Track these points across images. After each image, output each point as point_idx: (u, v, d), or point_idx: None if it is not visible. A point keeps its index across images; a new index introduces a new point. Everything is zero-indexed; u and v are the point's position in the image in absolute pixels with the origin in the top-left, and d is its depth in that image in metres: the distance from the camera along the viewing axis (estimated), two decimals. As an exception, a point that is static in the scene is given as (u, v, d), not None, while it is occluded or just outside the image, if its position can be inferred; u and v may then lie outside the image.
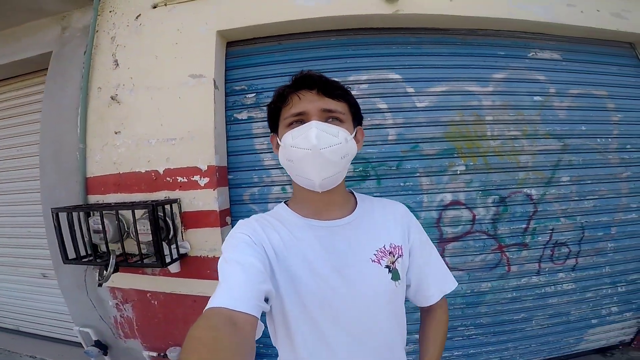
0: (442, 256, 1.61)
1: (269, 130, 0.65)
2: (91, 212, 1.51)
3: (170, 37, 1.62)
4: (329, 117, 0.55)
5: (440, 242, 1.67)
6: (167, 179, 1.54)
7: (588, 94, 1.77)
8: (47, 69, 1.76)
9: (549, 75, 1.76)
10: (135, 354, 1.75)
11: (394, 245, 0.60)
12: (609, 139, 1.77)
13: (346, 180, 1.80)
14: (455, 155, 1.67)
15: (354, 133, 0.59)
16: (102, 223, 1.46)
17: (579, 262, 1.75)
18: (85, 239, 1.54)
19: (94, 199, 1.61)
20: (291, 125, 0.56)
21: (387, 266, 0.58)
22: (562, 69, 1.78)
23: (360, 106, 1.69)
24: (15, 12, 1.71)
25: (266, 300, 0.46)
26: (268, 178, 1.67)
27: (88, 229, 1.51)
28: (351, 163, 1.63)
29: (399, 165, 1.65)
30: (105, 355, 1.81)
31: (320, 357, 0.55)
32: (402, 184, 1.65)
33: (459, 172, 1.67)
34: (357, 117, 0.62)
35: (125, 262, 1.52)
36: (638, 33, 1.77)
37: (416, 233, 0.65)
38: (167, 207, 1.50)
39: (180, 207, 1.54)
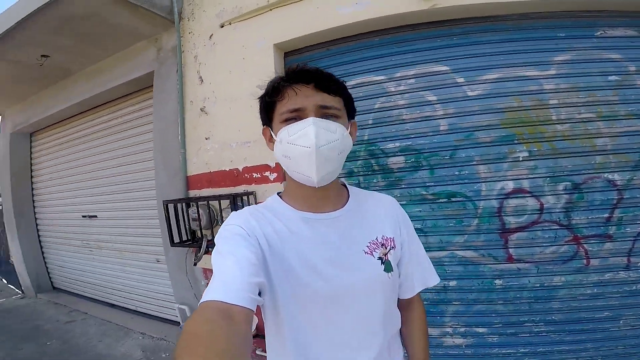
0: (506, 247, 1.60)
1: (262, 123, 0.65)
2: (190, 204, 1.92)
3: (237, 53, 1.91)
4: (325, 113, 0.55)
5: (503, 232, 1.63)
6: (246, 175, 1.87)
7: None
8: (152, 86, 2.23)
9: (625, 53, 1.57)
10: None
11: (386, 238, 0.61)
12: None
13: (399, 171, 1.85)
14: (516, 141, 1.62)
15: (349, 128, 0.59)
16: (198, 212, 1.86)
17: (682, 257, 1.50)
18: (186, 227, 1.96)
19: (192, 193, 2.04)
20: (287, 121, 0.55)
21: (379, 258, 0.59)
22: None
23: (410, 100, 1.80)
24: (120, 36, 2.17)
25: (260, 293, 0.47)
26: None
27: (188, 218, 1.93)
28: (402, 154, 1.71)
29: (452, 155, 1.68)
30: None
31: (311, 349, 0.55)
32: (457, 173, 1.67)
33: (520, 159, 1.61)
34: (351, 111, 0.62)
35: (214, 245, 1.88)
36: None
37: (405, 226, 0.66)
38: (245, 198, 1.83)
39: (255, 198, 1.85)
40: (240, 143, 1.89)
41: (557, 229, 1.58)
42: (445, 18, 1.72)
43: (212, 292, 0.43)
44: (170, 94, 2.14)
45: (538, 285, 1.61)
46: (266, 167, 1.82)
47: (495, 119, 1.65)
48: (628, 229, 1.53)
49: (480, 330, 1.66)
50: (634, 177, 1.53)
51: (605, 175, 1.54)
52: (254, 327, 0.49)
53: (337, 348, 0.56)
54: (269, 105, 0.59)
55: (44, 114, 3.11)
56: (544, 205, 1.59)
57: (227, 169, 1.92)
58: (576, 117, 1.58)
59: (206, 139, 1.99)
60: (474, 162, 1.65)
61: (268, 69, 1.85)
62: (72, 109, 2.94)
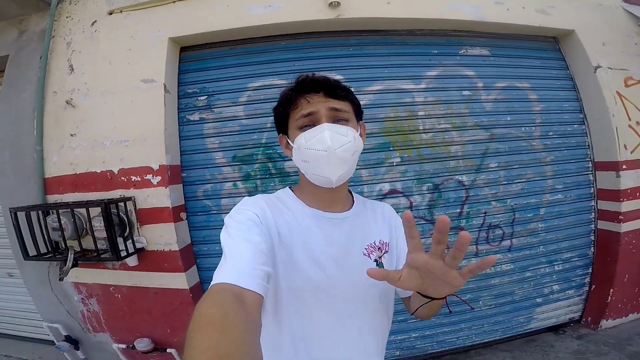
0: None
1: (277, 132, 0.69)
2: (49, 211, 1.61)
3: (124, 43, 1.72)
4: (336, 116, 0.59)
5: (382, 228, 1.80)
6: (122, 178, 1.65)
7: (512, 86, 1.94)
8: (4, 71, 1.84)
9: (477, 71, 1.92)
10: (106, 347, 1.82)
11: (382, 242, 0.65)
12: (533, 127, 1.94)
13: (295, 175, 1.90)
14: (391, 148, 1.82)
15: (359, 130, 0.63)
16: (59, 221, 1.57)
17: (513, 243, 1.89)
18: (45, 237, 1.63)
19: (52, 198, 1.71)
20: (302, 127, 0.59)
21: (375, 260, 0.63)
22: (490, 64, 1.95)
23: None
24: None
25: (267, 282, 0.48)
26: (220, 175, 1.79)
27: (47, 228, 1.61)
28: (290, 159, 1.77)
29: (339, 159, 1.78)
30: (77, 350, 1.86)
31: (305, 340, 0.57)
32: (342, 176, 1.78)
33: (394, 164, 1.81)
34: (359, 114, 0.66)
35: (84, 258, 1.62)
36: (561, 28, 1.93)
37: (401, 231, 0.70)
38: (122, 204, 1.62)
39: (135, 205, 1.65)
40: (116, 141, 1.67)
41: (423, 223, 1.82)
42: (349, 28, 1.84)
43: (225, 275, 0.43)
44: (27, 82, 1.77)
45: (412, 275, 1.82)
46: (148, 170, 1.65)
47: (376, 128, 1.82)
48: (474, 221, 1.86)
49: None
50: (477, 178, 1.87)
51: (457, 177, 1.85)
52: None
53: (333, 343, 0.58)
54: (283, 116, 0.63)
55: None
56: (413, 204, 1.81)
57: (99, 171, 1.67)
58: (437, 127, 1.86)
59: (72, 135, 1.70)
60: (358, 166, 1.78)
61: (158, 64, 1.69)
62: None
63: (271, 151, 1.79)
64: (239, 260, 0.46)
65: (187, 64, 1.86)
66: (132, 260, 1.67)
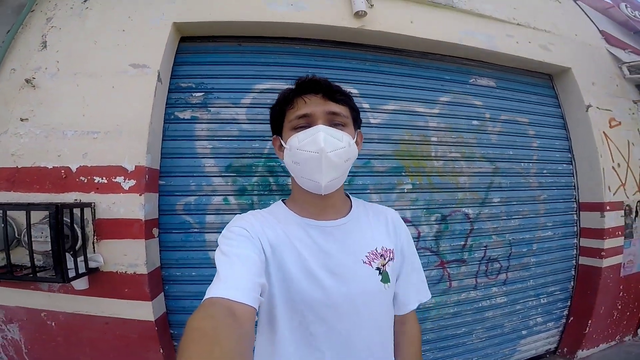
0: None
1: (271, 133, 0.66)
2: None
3: (118, 23, 1.47)
4: (333, 120, 0.57)
5: (388, 257, 1.68)
6: (81, 178, 1.30)
7: (513, 120, 2.02)
8: None
9: (484, 101, 1.97)
10: None
11: (385, 249, 0.61)
12: (530, 164, 2.02)
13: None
14: (403, 173, 1.73)
15: (355, 137, 0.61)
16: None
17: (508, 277, 1.90)
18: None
19: (-26, 197, 1.27)
20: (297, 128, 0.57)
21: (377, 268, 0.59)
22: (495, 96, 2.01)
23: None
24: None
25: (260, 294, 0.47)
26: (209, 186, 1.52)
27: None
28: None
29: (350, 181, 1.65)
30: None
31: (303, 355, 0.55)
32: (352, 198, 1.64)
33: (406, 191, 1.73)
34: (357, 121, 0.64)
35: (10, 275, 1.20)
36: (557, 65, 2.05)
37: (406, 240, 0.67)
38: (77, 211, 1.25)
39: (94, 213, 1.30)
40: (81, 132, 1.33)
41: (429, 255, 1.75)
42: (366, 42, 1.76)
43: (217, 289, 0.43)
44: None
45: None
46: (119, 170, 1.32)
47: (389, 150, 1.73)
48: (476, 254, 1.84)
49: None
50: (481, 212, 1.87)
51: (463, 209, 1.83)
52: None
53: (327, 354, 0.55)
54: (279, 114, 0.62)
55: None
56: (421, 234, 1.73)
57: (50, 167, 1.29)
58: (448, 155, 1.83)
59: (22, 120, 1.31)
60: (368, 191, 1.67)
61: (155, 49, 1.44)
62: None
63: (274, 164, 1.58)
64: (230, 274, 0.46)
65: (186, 55, 1.61)
66: (80, 283, 1.30)
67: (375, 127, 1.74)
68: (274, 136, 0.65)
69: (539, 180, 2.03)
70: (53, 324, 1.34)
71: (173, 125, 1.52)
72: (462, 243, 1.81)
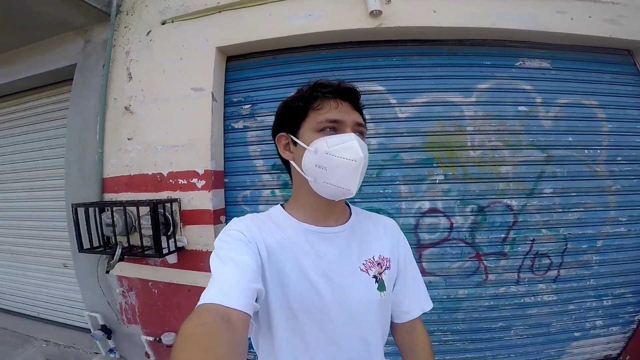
0: (419, 261, 1.72)
1: (272, 129, 0.67)
2: (105, 208, 1.75)
3: (175, 52, 1.80)
4: (358, 130, 0.58)
5: (418, 247, 1.75)
6: (170, 180, 1.75)
7: (576, 103, 1.75)
8: (71, 79, 2.00)
9: (535, 85, 1.76)
10: (135, 339, 1.95)
11: (382, 257, 0.62)
12: (598, 150, 1.74)
13: None
14: (435, 164, 1.73)
15: None
16: (113, 218, 1.70)
17: (560, 274, 1.74)
18: (98, 232, 1.78)
19: (109, 197, 1.86)
20: (323, 130, 0.55)
21: (374, 276, 0.59)
22: (550, 78, 1.77)
23: None
24: (44, 26, 1.93)
25: (256, 300, 0.47)
26: (260, 182, 1.83)
27: (101, 223, 1.76)
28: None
29: (379, 174, 1.75)
30: (109, 339, 2.02)
31: (299, 358, 0.56)
32: (381, 191, 1.74)
33: (437, 182, 1.73)
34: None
35: (130, 253, 1.75)
36: (635, 40, 1.71)
37: (404, 249, 0.68)
38: (168, 205, 1.71)
39: (180, 206, 1.74)
40: (167, 146, 1.77)
41: (463, 246, 1.74)
42: (388, 38, 1.77)
43: (211, 295, 0.42)
44: (92, 89, 1.91)
45: (446, 297, 1.76)
46: (193, 174, 1.73)
47: (419, 142, 1.74)
48: (519, 248, 1.74)
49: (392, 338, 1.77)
50: (528, 204, 1.73)
51: (505, 200, 1.73)
52: (251, 332, 0.46)
53: None
54: (300, 111, 0.59)
55: None
56: (454, 225, 1.73)
57: (150, 173, 1.78)
58: (487, 145, 1.74)
59: (129, 139, 1.82)
60: (397, 182, 1.74)
61: (207, 72, 1.75)
62: None
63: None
64: (224, 280, 0.45)
65: (233, 73, 1.90)
66: (172, 258, 1.78)
67: (403, 121, 1.76)
68: (282, 134, 0.62)
69: (610, 168, 1.74)
70: (155, 291, 1.83)
71: (231, 134, 1.86)
72: (503, 236, 1.73)
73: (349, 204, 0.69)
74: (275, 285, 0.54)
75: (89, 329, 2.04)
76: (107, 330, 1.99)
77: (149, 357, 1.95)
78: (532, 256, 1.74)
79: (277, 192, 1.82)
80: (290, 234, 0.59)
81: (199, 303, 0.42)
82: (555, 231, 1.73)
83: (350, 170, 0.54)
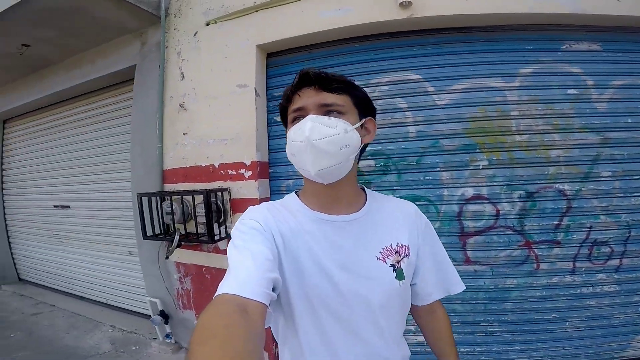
0: (463, 249, 1.70)
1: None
2: (164, 197, 1.94)
3: (220, 52, 1.94)
4: (328, 110, 0.56)
5: (462, 235, 1.72)
6: (221, 171, 1.90)
7: (633, 84, 1.65)
8: (134, 79, 2.23)
9: (585, 67, 1.68)
10: (188, 324, 2.09)
11: (400, 245, 0.60)
12: (662, 131, 1.62)
13: (369, 174, 1.92)
14: (477, 150, 1.71)
15: (361, 123, 0.59)
16: (172, 206, 1.88)
17: (623, 263, 1.63)
18: (160, 220, 1.97)
19: (168, 187, 2.06)
20: (294, 121, 0.58)
21: (392, 265, 0.58)
22: (602, 60, 1.68)
23: (382, 106, 1.78)
24: (104, 30, 2.18)
25: (273, 289, 0.47)
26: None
27: (162, 211, 1.95)
28: (373, 158, 1.79)
29: (419, 161, 1.76)
30: (167, 324, 2.16)
31: (320, 351, 0.56)
32: (422, 178, 1.75)
33: (481, 167, 1.70)
34: (366, 109, 0.62)
35: (186, 239, 1.92)
36: None
37: (426, 234, 0.66)
38: (220, 194, 1.86)
39: (230, 195, 1.89)
40: (217, 140, 1.92)
41: (510, 234, 1.69)
42: (421, 28, 1.78)
43: (228, 286, 0.43)
44: (150, 88, 2.14)
45: (493, 287, 1.71)
46: (241, 165, 1.86)
47: (459, 128, 1.73)
48: (575, 236, 1.65)
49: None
50: (583, 188, 1.64)
51: (557, 185, 1.65)
52: (269, 322, 0.48)
53: (346, 353, 0.56)
54: (283, 110, 0.64)
55: (19, 102, 3.04)
56: (500, 212, 1.69)
57: (203, 165, 1.94)
58: (534, 129, 1.68)
59: (184, 134, 2.01)
60: (438, 169, 1.74)
61: (249, 69, 1.88)
62: (50, 98, 2.89)
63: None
64: (241, 270, 0.46)
65: (274, 68, 2.02)
66: (223, 244, 1.92)
67: (442, 108, 1.76)
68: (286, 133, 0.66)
69: (678, 148, 1.60)
70: (208, 277, 1.97)
71: (274, 128, 1.98)
72: (556, 223, 1.65)
73: (365, 190, 0.67)
74: (292, 274, 0.55)
75: (149, 315, 2.21)
76: (165, 316, 2.16)
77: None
78: (590, 244, 1.64)
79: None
80: (304, 222, 0.59)
81: (216, 294, 0.42)
82: (616, 217, 1.62)
83: (302, 151, 0.54)
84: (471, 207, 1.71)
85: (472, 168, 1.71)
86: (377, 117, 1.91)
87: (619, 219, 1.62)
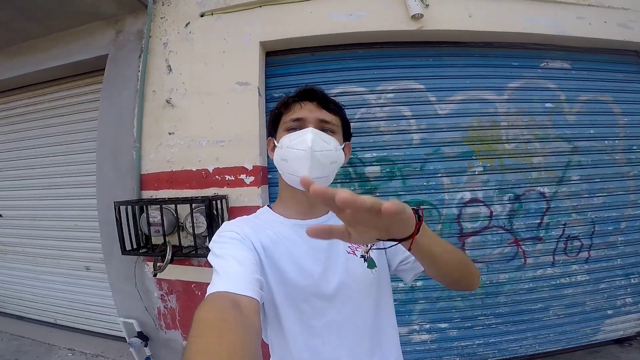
0: (463, 249, 1.79)
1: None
2: (144, 207, 1.67)
3: (217, 45, 1.77)
4: (324, 127, 0.62)
5: (461, 236, 1.82)
6: (216, 177, 1.71)
7: (595, 99, 1.94)
8: (103, 70, 1.90)
9: (559, 83, 1.93)
10: (173, 345, 1.84)
11: None
12: (616, 141, 1.93)
13: (375, 180, 1.90)
14: (474, 157, 1.83)
15: (343, 145, 0.65)
16: (162, 216, 1.63)
17: (591, 255, 1.89)
18: (139, 232, 1.69)
19: (147, 194, 1.77)
20: (290, 129, 0.62)
21: (362, 256, 0.63)
22: (571, 77, 1.95)
23: (388, 113, 1.71)
24: (72, 15, 1.84)
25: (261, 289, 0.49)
26: (303, 177, 1.84)
27: (141, 222, 1.67)
28: (379, 164, 1.78)
29: (422, 167, 1.82)
30: (145, 347, 1.87)
31: (308, 348, 0.58)
32: (425, 183, 1.81)
33: (477, 173, 1.83)
34: (346, 133, 0.68)
35: (180, 253, 1.67)
36: None
37: None
38: (215, 202, 1.67)
39: (227, 203, 1.70)
40: (212, 141, 1.73)
41: (502, 233, 1.84)
42: (427, 39, 1.86)
43: (219, 285, 0.43)
44: (127, 81, 1.83)
45: (488, 282, 1.84)
46: (242, 170, 1.70)
47: (458, 137, 1.84)
48: (553, 232, 1.87)
49: (443, 325, 1.82)
50: (558, 191, 1.87)
51: (538, 188, 1.86)
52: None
53: (334, 348, 0.58)
54: (277, 117, 0.67)
55: None
56: (493, 213, 1.83)
57: (194, 169, 1.73)
58: (520, 138, 1.87)
59: (170, 134, 1.77)
60: (440, 174, 1.82)
61: (252, 67, 1.75)
62: None
63: (352, 156, 1.83)
64: (230, 271, 0.48)
65: (273, 68, 1.91)
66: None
67: (443, 117, 1.85)
68: (269, 138, 0.69)
69: (627, 156, 1.93)
70: (199, 294, 1.75)
71: (272, 130, 1.86)
72: (538, 221, 1.85)
73: None
74: (275, 278, 0.58)
75: (116, 336, 1.94)
76: (143, 337, 1.87)
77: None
78: (565, 239, 1.87)
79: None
80: (280, 230, 0.62)
81: (207, 293, 0.43)
82: (583, 215, 1.88)
83: (300, 159, 0.58)
84: (469, 210, 1.82)
85: (469, 174, 1.82)
86: (383, 123, 1.90)
87: (586, 216, 1.88)
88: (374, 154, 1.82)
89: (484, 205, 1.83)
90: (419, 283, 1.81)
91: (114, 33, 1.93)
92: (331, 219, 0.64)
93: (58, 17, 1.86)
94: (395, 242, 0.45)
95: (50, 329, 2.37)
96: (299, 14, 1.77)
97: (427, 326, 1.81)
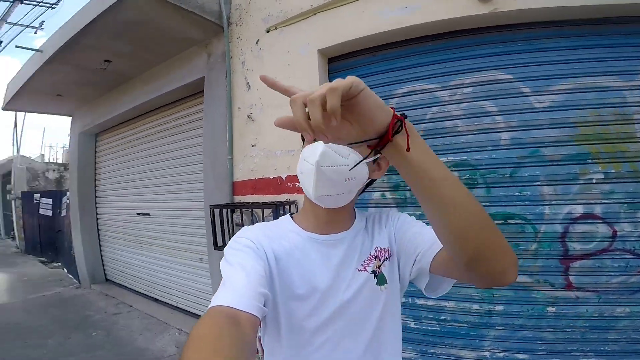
0: (566, 274, 1.50)
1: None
2: (234, 209, 1.98)
3: (282, 59, 1.90)
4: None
5: (564, 259, 1.51)
6: (289, 184, 1.88)
7: None
8: (202, 91, 2.28)
9: None
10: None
11: (379, 249, 0.62)
12: None
13: None
14: (590, 160, 1.46)
15: (374, 158, 0.55)
16: (242, 218, 1.92)
17: None
18: (230, 231, 2.02)
19: (237, 199, 2.10)
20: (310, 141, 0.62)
21: (373, 271, 0.61)
22: None
23: (466, 110, 1.63)
24: (172, 42, 2.22)
25: (264, 304, 0.49)
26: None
27: (232, 223, 2.00)
28: (456, 169, 1.62)
29: (513, 173, 1.56)
30: None
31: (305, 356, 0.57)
32: (517, 193, 1.55)
33: (594, 181, 1.46)
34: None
35: None
36: None
37: (395, 221, 0.66)
38: (287, 207, 1.85)
39: (297, 207, 1.86)
40: (284, 151, 1.90)
41: (630, 258, 1.43)
42: (507, 23, 1.57)
43: (221, 298, 0.44)
44: (219, 99, 2.18)
45: (597, 314, 1.48)
46: (310, 177, 1.82)
47: (566, 134, 1.50)
48: None
49: (521, 356, 1.57)
50: None
51: (700, 203, 1.36)
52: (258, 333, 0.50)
53: None
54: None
55: (107, 116, 3.35)
56: (618, 233, 1.44)
57: (271, 177, 1.94)
58: (664, 136, 1.39)
59: (252, 145, 2.02)
60: (538, 183, 1.52)
61: (312, 76, 1.81)
62: (131, 111, 3.12)
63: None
64: (234, 284, 0.47)
65: (335, 74, 1.93)
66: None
67: (542, 111, 1.53)
68: None
69: None
70: None
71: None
72: (694, 248, 1.37)
73: (356, 210, 0.68)
74: (283, 291, 0.57)
75: None
76: None
77: (257, 352, 2.15)
78: None
79: (387, 194, 1.79)
80: (296, 242, 0.61)
81: (210, 305, 0.44)
82: None
83: (309, 172, 0.54)
84: (580, 227, 1.48)
85: (583, 182, 1.47)
86: (461, 122, 1.68)
87: None
88: (450, 158, 1.66)
89: (604, 222, 1.46)
90: (499, 307, 1.59)
91: (206, 56, 2.29)
92: (347, 236, 0.63)
93: (164, 45, 2.31)
94: (363, 141, 0.40)
95: (172, 310, 3.02)
96: (351, 15, 1.73)
97: (501, 354, 1.60)
